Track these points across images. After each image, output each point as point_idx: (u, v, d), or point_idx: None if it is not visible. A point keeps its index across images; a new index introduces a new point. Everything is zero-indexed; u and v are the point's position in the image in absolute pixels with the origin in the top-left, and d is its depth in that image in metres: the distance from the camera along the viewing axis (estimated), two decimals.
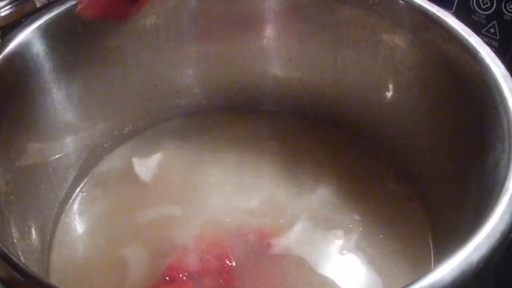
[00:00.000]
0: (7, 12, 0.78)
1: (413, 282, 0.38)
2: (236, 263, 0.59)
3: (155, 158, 0.73)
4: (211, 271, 0.58)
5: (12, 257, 0.42)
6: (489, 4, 0.73)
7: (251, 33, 0.74)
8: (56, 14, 0.61)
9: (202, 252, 0.60)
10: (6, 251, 0.43)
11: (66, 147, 0.67)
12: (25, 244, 0.56)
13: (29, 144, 0.60)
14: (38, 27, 0.59)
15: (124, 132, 0.74)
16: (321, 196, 0.67)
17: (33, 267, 0.56)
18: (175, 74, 0.75)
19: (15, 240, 0.53)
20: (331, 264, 0.61)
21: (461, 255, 0.39)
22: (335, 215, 0.66)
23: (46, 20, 0.60)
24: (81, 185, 0.70)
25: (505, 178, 0.45)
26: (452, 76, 0.59)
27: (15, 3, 0.78)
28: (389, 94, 0.69)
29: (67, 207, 0.67)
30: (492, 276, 0.43)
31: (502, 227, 0.41)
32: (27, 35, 0.58)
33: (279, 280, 0.59)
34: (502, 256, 0.43)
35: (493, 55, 0.55)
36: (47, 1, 0.89)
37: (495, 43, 0.74)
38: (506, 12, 0.72)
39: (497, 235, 0.41)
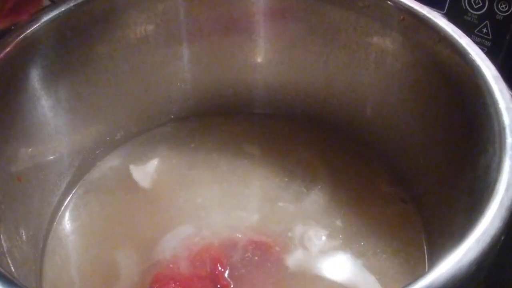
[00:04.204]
0: None
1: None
2: (228, 270, 0.59)
3: (149, 164, 0.72)
4: (202, 278, 0.58)
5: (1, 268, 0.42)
6: (481, 4, 0.73)
7: (242, 37, 0.74)
8: (45, 21, 0.60)
9: (193, 259, 0.60)
10: None
11: (58, 154, 0.66)
12: (16, 253, 0.55)
13: (20, 151, 0.60)
14: (27, 35, 0.59)
15: (116, 138, 0.74)
16: (314, 200, 0.67)
17: (25, 277, 0.56)
18: (167, 79, 0.74)
19: (6, 250, 0.53)
20: (325, 267, 0.61)
21: (451, 260, 0.39)
22: (328, 218, 0.65)
23: (35, 27, 0.60)
24: (74, 192, 0.69)
25: (495, 181, 0.45)
26: (443, 77, 0.59)
27: None
28: (380, 96, 0.69)
29: (59, 215, 0.67)
30: (483, 280, 0.43)
31: (493, 231, 0.41)
32: (16, 42, 0.58)
33: (273, 286, 0.59)
34: (496, 259, 0.43)
35: (484, 56, 0.55)
36: (40, 6, 0.89)
37: (488, 43, 0.74)
38: (498, 12, 0.72)
39: (487, 239, 0.40)
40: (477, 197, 0.47)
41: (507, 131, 0.48)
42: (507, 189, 0.43)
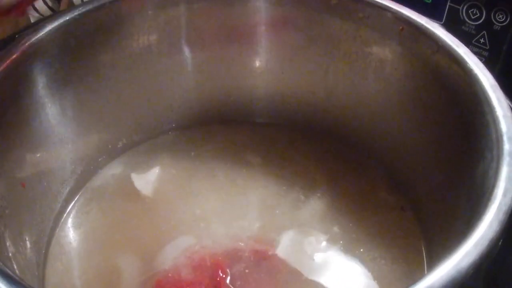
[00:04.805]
0: None
1: None
2: (229, 277, 0.60)
3: (150, 172, 0.73)
4: (204, 285, 0.58)
5: (8, 271, 0.43)
6: (478, 15, 0.74)
7: (243, 47, 0.74)
8: (50, 29, 0.61)
9: (195, 266, 0.60)
10: (1, 264, 0.43)
11: (61, 161, 0.67)
12: (20, 259, 0.56)
13: (24, 158, 0.61)
14: (32, 43, 0.60)
15: (118, 146, 0.74)
16: (313, 207, 0.68)
17: (28, 282, 0.56)
18: (169, 88, 0.75)
19: (10, 254, 0.53)
20: (326, 273, 0.61)
21: (449, 263, 0.39)
22: (327, 225, 0.66)
23: (40, 36, 0.60)
24: (76, 199, 0.70)
25: (493, 187, 0.45)
26: (442, 86, 0.60)
27: None
28: (380, 105, 0.70)
29: (62, 221, 0.67)
30: (482, 284, 0.44)
31: (491, 235, 0.41)
32: (21, 51, 0.59)
33: None
34: (494, 261, 0.43)
35: (481, 65, 0.56)
36: (41, 16, 0.89)
37: (485, 53, 0.75)
38: (495, 22, 0.73)
39: (485, 243, 0.41)
40: (475, 203, 0.48)
41: (505, 138, 0.48)
42: (504, 195, 0.44)
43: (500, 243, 0.42)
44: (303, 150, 0.75)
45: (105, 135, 0.72)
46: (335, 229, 0.65)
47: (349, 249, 0.64)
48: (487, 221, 0.42)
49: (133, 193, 0.70)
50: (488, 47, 0.74)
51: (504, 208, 0.43)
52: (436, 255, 0.60)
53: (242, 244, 0.63)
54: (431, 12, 0.73)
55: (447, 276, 0.39)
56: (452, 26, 0.74)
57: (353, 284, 0.61)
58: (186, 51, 0.73)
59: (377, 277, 0.61)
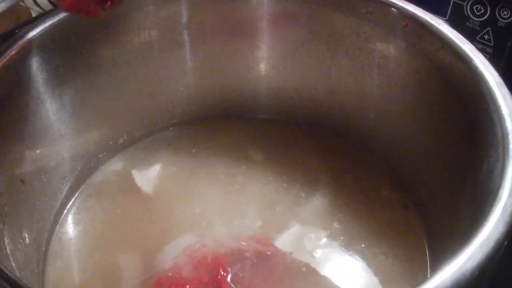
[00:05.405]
0: None
1: None
2: (230, 275, 0.59)
3: (151, 169, 0.72)
4: (205, 283, 0.58)
5: (5, 270, 0.42)
6: (483, 11, 0.73)
7: (245, 43, 0.74)
8: (50, 25, 0.61)
9: (195, 264, 0.60)
10: None
11: (61, 158, 0.67)
12: (19, 256, 0.55)
13: (23, 154, 0.60)
14: (32, 38, 0.59)
15: (119, 142, 0.74)
16: (316, 204, 0.67)
17: (28, 279, 0.56)
18: (170, 84, 0.75)
19: (9, 252, 0.53)
20: (326, 269, 0.61)
21: (454, 265, 0.39)
22: (327, 222, 0.66)
23: (40, 31, 0.60)
24: (76, 195, 0.69)
25: (499, 186, 0.45)
26: (446, 84, 0.59)
27: None
28: (383, 102, 0.69)
29: (62, 218, 0.67)
30: (487, 284, 0.43)
31: (496, 235, 0.41)
32: (20, 46, 0.58)
33: None
34: (499, 261, 0.43)
35: (487, 62, 0.55)
36: (42, 11, 0.89)
37: (489, 50, 0.74)
38: (500, 19, 0.72)
39: (491, 244, 0.40)
40: (480, 202, 0.48)
41: (510, 136, 0.48)
42: (510, 195, 0.43)
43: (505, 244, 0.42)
44: (305, 146, 0.75)
45: (106, 131, 0.72)
46: (336, 225, 0.65)
47: (350, 245, 0.64)
48: (493, 222, 0.42)
49: (134, 190, 0.70)
50: (492, 44, 0.74)
51: (510, 209, 0.43)
52: (438, 253, 0.60)
53: (244, 243, 0.63)
54: (435, 8, 0.72)
55: (451, 278, 0.38)
56: (456, 22, 0.74)
57: (354, 279, 0.61)
58: (187, 46, 0.73)
59: (378, 273, 0.61)
